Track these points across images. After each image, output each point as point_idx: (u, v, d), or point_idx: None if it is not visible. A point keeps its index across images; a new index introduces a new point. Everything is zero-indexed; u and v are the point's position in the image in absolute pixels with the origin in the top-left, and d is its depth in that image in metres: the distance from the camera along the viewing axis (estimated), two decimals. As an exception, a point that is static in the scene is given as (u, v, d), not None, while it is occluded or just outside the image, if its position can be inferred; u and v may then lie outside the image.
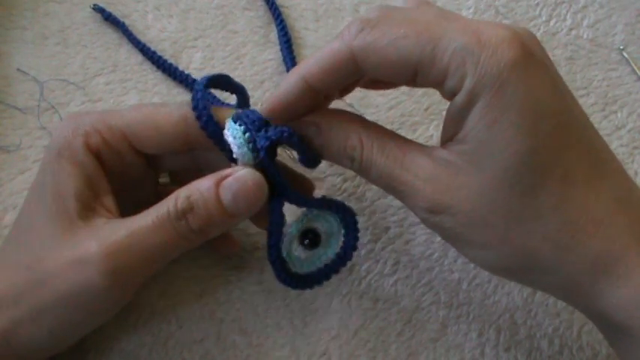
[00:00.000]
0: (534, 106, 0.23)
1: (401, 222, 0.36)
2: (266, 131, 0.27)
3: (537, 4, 0.44)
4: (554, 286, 0.26)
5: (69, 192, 0.27)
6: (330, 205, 0.30)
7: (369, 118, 0.39)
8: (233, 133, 0.27)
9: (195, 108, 0.28)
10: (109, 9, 0.42)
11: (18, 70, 0.40)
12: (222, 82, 0.31)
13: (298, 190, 0.29)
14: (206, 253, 0.35)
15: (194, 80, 0.40)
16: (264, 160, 0.27)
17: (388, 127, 0.39)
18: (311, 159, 0.29)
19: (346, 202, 0.30)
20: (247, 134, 0.27)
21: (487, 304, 0.34)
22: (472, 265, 0.35)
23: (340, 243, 0.31)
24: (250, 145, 0.27)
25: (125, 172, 0.30)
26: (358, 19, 0.25)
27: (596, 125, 0.40)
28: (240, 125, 0.27)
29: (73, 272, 0.25)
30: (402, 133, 0.39)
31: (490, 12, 0.44)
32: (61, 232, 0.26)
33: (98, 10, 0.42)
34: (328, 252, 0.31)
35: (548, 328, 0.34)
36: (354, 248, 0.30)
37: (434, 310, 0.34)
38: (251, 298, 0.34)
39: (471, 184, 0.24)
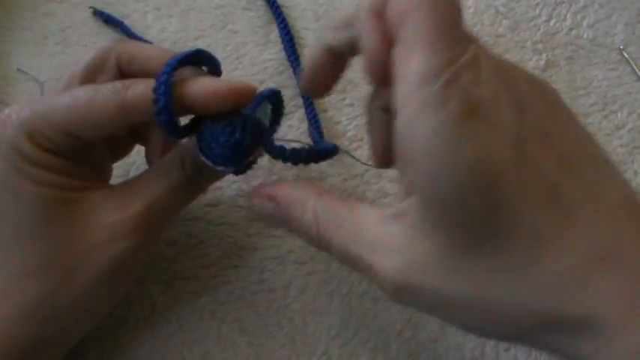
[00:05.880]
0: (487, 162, 0.20)
1: (401, 222, 0.36)
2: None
3: (537, 4, 0.44)
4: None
5: (50, 192, 0.26)
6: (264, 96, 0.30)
7: (369, 118, 0.40)
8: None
9: (155, 90, 0.26)
10: (109, 9, 0.42)
11: (18, 70, 0.40)
12: (198, 58, 0.29)
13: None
14: (206, 252, 0.35)
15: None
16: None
17: (388, 127, 0.39)
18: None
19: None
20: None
21: (487, 304, 0.34)
22: (472, 265, 0.35)
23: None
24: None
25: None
26: None
27: (596, 125, 0.41)
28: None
29: (110, 248, 0.27)
30: (402, 133, 0.39)
31: (490, 12, 0.44)
32: (64, 223, 0.26)
33: (97, 13, 0.42)
34: None
35: (548, 328, 0.34)
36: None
37: (434, 310, 0.34)
38: (251, 298, 0.34)
39: (430, 251, 0.22)
